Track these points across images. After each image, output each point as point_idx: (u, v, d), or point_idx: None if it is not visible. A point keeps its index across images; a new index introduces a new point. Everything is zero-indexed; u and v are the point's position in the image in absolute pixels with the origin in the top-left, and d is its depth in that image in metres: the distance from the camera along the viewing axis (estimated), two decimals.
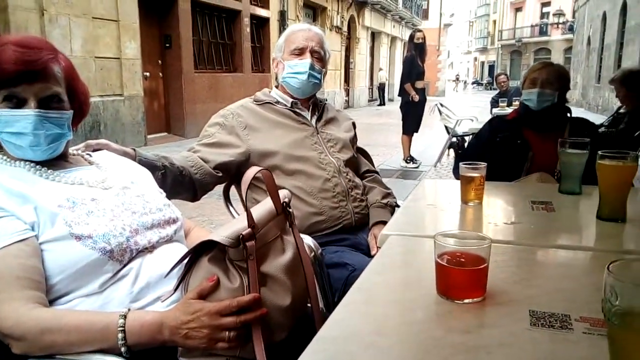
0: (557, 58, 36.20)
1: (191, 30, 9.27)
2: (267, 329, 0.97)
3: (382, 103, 21.00)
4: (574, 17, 27.89)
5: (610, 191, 1.35)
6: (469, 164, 1.58)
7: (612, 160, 1.34)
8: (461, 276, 0.87)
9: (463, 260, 0.87)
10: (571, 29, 28.64)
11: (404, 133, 7.08)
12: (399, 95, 7.48)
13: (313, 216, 1.73)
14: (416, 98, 6.89)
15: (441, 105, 7.41)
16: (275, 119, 1.83)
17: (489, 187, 1.93)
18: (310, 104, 1.94)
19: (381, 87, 21.69)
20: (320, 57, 1.92)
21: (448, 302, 0.87)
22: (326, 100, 2.10)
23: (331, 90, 17.49)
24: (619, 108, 4.21)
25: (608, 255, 1.07)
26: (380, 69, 22.68)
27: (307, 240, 1.45)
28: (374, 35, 22.57)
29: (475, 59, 45.47)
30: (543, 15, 39.72)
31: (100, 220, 1.03)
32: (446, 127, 6.98)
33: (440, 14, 30.19)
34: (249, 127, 1.78)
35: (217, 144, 1.75)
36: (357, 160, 2.02)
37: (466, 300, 0.86)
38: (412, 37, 7.15)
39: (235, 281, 0.95)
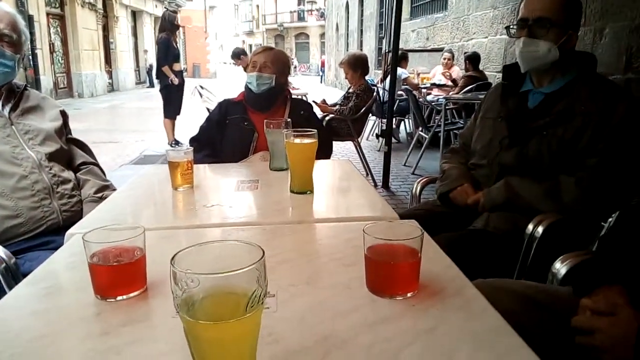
0: (314, 42, 39.43)
1: None
2: None
3: (152, 85, 19.96)
4: (325, 5, 30.53)
5: (298, 167, 1.48)
6: (173, 150, 1.56)
7: (296, 138, 1.47)
8: (118, 273, 0.84)
9: (120, 256, 0.83)
10: (323, 16, 31.35)
11: (166, 117, 6.86)
12: (156, 79, 7.17)
13: (7, 220, 1.51)
14: (175, 81, 6.71)
15: (201, 87, 7.34)
16: None
17: (211, 169, 1.97)
18: (2, 92, 1.67)
19: (150, 69, 20.58)
20: (11, 42, 1.65)
21: (104, 303, 0.82)
22: (27, 86, 1.83)
23: (90, 72, 15.95)
24: (349, 88, 4.74)
25: (280, 228, 1.18)
26: (146, 50, 21.52)
27: None
28: (135, 15, 21.25)
29: (243, 42, 46.48)
30: (300, 1, 42.65)
31: None
32: (208, 109, 6.96)
33: None
34: None
35: None
36: (69, 152, 1.83)
37: (119, 298, 0.83)
38: (165, 17, 6.89)
39: None
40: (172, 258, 0.52)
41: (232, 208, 1.37)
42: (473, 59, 6.22)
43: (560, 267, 1.23)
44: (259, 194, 1.53)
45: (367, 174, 4.79)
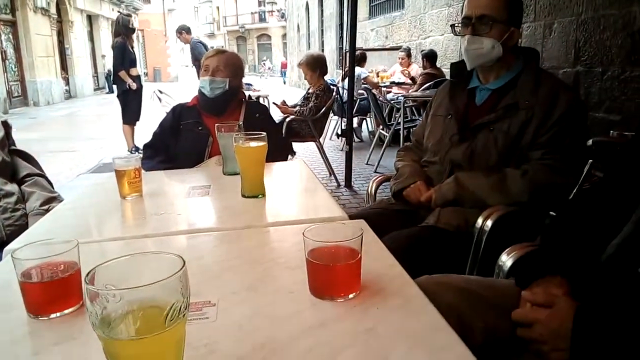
0: (276, 43, 39.31)
1: None
2: None
3: (112, 91, 19.48)
4: (285, 5, 30.47)
5: (248, 170, 1.47)
6: (123, 158, 1.52)
7: (246, 142, 1.45)
8: (50, 289, 0.81)
9: (52, 272, 0.81)
10: (284, 17, 31.29)
11: (125, 123, 6.73)
12: (113, 84, 7.01)
13: None
14: (133, 86, 6.59)
15: (160, 91, 7.22)
16: None
17: (165, 175, 1.94)
18: None
19: (109, 75, 20.09)
20: None
21: (37, 322, 0.79)
22: None
23: (45, 79, 15.44)
24: (309, 88, 4.74)
25: (228, 234, 1.17)
26: (104, 55, 21.02)
27: None
28: (91, 19, 20.74)
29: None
30: (260, 2, 42.42)
31: None
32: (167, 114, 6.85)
33: None
34: None
35: None
36: (12, 164, 1.77)
37: (52, 316, 0.80)
38: (119, 21, 6.74)
39: None
40: (87, 275, 0.51)
41: (180, 216, 1.35)
42: (430, 57, 6.32)
43: (506, 260, 1.26)
44: (209, 199, 1.51)
45: (330, 174, 4.81)
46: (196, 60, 6.99)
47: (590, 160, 2.22)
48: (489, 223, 1.49)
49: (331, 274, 0.82)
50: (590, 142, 2.10)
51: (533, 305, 0.92)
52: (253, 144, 1.45)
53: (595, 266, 0.96)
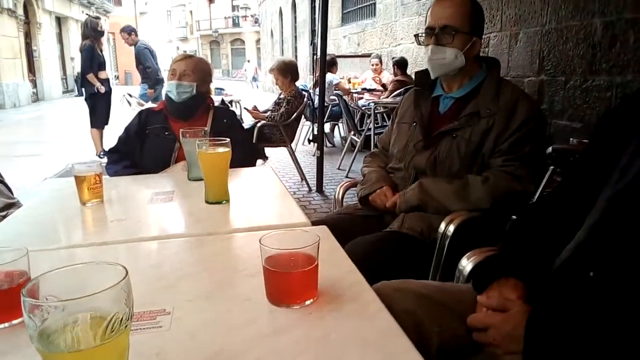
0: (250, 48, 39.18)
1: None
2: None
3: (81, 94, 19.10)
4: (259, 11, 30.40)
5: (211, 177, 1.46)
6: (83, 163, 1.49)
7: (209, 148, 1.45)
8: None
9: None
10: (257, 22, 31.20)
11: (93, 127, 6.59)
12: (81, 87, 6.87)
13: None
14: (102, 89, 6.46)
15: (130, 95, 7.12)
16: None
17: (129, 181, 1.91)
18: None
19: (78, 78, 19.67)
20: None
21: None
22: None
23: (12, 81, 15.04)
24: (280, 94, 4.74)
25: (189, 241, 1.16)
26: (72, 58, 20.60)
27: None
28: (60, 21, 20.32)
29: (178, 48, 45.46)
30: (234, 7, 42.26)
31: None
32: (133, 119, 6.75)
33: (134, 1, 29.01)
34: None
35: None
36: None
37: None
38: (87, 23, 6.62)
39: None
40: (25, 286, 0.49)
41: (141, 222, 1.33)
42: (401, 64, 6.39)
43: (466, 264, 1.28)
44: (172, 206, 1.49)
45: (302, 179, 4.81)
46: (140, 64, 6.82)
47: (552, 167, 2.28)
48: (451, 228, 1.52)
49: (287, 281, 0.82)
50: (550, 149, 2.16)
51: (488, 309, 0.93)
52: (216, 150, 1.44)
53: (549, 270, 0.98)
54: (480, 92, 1.68)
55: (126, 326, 0.51)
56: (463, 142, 1.63)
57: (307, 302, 0.82)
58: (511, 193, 1.56)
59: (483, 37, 1.74)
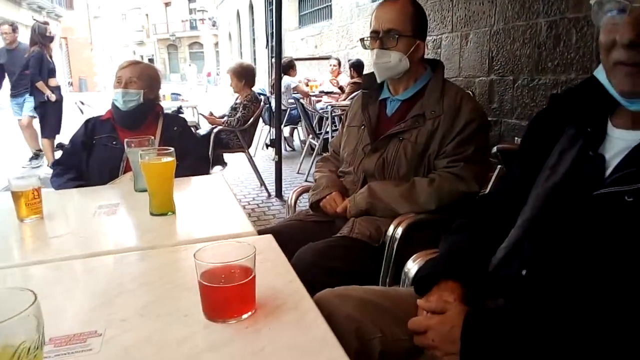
0: (209, 51, 38.74)
1: None
2: None
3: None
4: (216, 14, 30.05)
5: (155, 187, 1.42)
6: (20, 177, 1.43)
7: (152, 158, 1.42)
8: None
9: None
10: (215, 25, 30.84)
11: (43, 136, 6.36)
12: (31, 95, 6.62)
13: None
14: (52, 97, 6.24)
15: (82, 102, 6.92)
16: None
17: (74, 194, 1.85)
18: None
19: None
20: None
21: None
22: None
23: None
24: (237, 99, 4.70)
25: (129, 256, 1.12)
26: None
27: None
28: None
29: (134, 52, 44.52)
30: (191, 10, 41.70)
31: None
32: (79, 128, 6.55)
33: (87, 5, 28.23)
34: None
35: None
36: None
37: None
38: (35, 29, 6.39)
39: None
40: None
41: (82, 238, 1.29)
42: (357, 66, 6.44)
43: (411, 267, 1.30)
44: (116, 219, 1.45)
45: (261, 184, 4.78)
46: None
47: (500, 166, 2.34)
48: (400, 231, 1.54)
49: (223, 296, 0.81)
50: (495, 149, 2.22)
51: (428, 312, 0.95)
52: (160, 159, 1.42)
53: (485, 270, 1.00)
54: (425, 94, 1.71)
55: (35, 355, 0.49)
56: (409, 145, 1.65)
57: (244, 316, 0.81)
58: (456, 193, 1.59)
59: (435, 37, 1.77)
